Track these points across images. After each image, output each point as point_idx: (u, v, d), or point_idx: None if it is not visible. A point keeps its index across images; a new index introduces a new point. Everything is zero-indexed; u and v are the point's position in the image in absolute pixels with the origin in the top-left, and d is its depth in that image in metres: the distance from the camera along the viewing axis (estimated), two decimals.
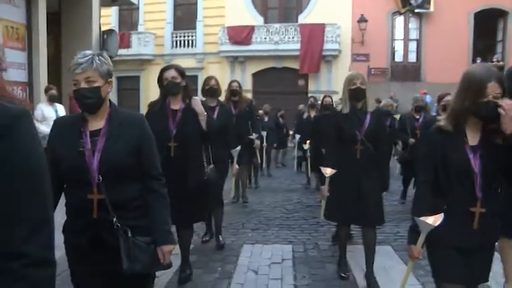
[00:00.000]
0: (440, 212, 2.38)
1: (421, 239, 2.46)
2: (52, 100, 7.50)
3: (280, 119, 13.81)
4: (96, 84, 2.24)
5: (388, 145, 4.60)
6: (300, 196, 8.69)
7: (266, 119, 12.19)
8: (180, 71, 4.11)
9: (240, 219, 6.72)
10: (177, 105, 4.10)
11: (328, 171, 4.23)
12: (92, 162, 2.23)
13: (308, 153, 9.12)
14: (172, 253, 2.50)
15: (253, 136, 7.24)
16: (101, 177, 2.22)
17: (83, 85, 2.22)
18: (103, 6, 10.70)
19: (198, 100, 4.15)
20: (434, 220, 2.36)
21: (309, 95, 19.66)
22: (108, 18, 19.40)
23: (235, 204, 7.61)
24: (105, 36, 10.44)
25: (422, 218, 2.38)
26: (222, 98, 5.90)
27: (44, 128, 6.99)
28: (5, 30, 7.24)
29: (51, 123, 6.89)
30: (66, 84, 8.77)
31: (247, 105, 6.99)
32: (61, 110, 7.73)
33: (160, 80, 4.10)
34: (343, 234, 4.62)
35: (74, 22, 9.37)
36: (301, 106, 15.10)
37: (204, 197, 4.31)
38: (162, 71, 4.13)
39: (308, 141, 8.95)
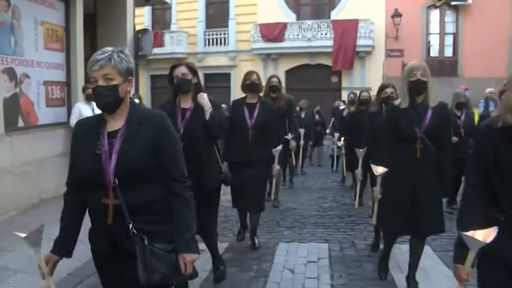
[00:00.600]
0: (494, 225, 1.92)
1: (470, 258, 1.99)
2: (89, 99, 7.64)
3: (317, 116, 13.34)
4: (113, 82, 2.11)
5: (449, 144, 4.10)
6: (334, 194, 8.60)
7: (303, 115, 11.62)
8: (191, 68, 3.99)
9: (275, 218, 6.70)
10: (187, 103, 3.98)
11: (379, 170, 3.91)
12: (109, 165, 2.10)
13: (342, 151, 8.77)
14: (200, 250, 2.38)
15: (289, 136, 7.05)
16: (117, 181, 2.09)
17: (101, 83, 2.10)
18: (137, 6, 10.85)
19: (204, 95, 4.01)
20: (485, 235, 1.90)
21: (343, 91, 19.59)
22: (141, 18, 19.66)
23: (269, 203, 7.45)
24: (139, 36, 10.59)
25: (470, 233, 1.92)
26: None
27: None
28: (45, 32, 7.42)
29: None
30: None
31: (286, 103, 6.74)
32: (97, 109, 7.86)
33: (171, 77, 4.00)
34: (391, 241, 4.37)
35: (109, 22, 9.54)
36: (337, 103, 14.87)
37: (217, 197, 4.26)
38: (173, 68, 4.02)
39: (343, 139, 8.62)
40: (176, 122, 3.83)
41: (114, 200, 2.11)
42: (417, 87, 3.76)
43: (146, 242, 2.10)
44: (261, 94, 6.00)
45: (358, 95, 7.95)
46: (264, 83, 5.80)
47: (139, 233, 2.11)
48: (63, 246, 2.28)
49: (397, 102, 3.98)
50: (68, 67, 8.01)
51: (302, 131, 9.63)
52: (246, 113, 4.98)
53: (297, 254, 5.13)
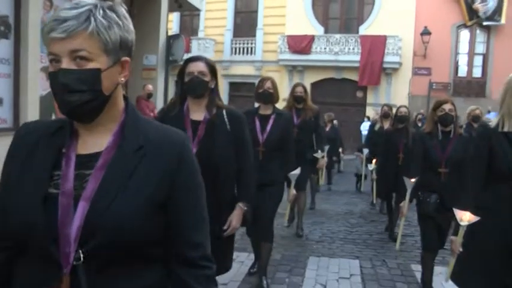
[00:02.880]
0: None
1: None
2: None
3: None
4: (91, 65, 1.11)
5: None
6: (361, 210, 8.45)
7: (327, 128, 10.38)
8: (211, 67, 2.91)
9: (304, 231, 6.58)
10: (199, 114, 2.90)
11: (467, 218, 2.67)
12: (70, 222, 1.09)
13: (373, 175, 7.50)
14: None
15: (319, 154, 6.09)
16: (81, 255, 1.08)
17: (66, 65, 1.10)
18: (170, 11, 10.91)
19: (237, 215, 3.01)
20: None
21: (367, 107, 19.46)
22: (170, 23, 19.81)
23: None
24: (171, 41, 10.63)
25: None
26: (280, 105, 4.70)
27: None
28: None
29: None
30: (133, 86, 8.98)
31: (313, 115, 5.88)
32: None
33: (182, 73, 2.92)
34: None
35: (143, 26, 9.57)
36: (374, 115, 13.95)
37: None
38: (188, 61, 2.93)
39: (374, 160, 7.47)
40: None
41: None
42: None
43: None
44: (285, 104, 5.83)
45: (392, 109, 7.41)
46: (281, 92, 4.95)
47: None
48: None
49: (493, 122, 2.78)
50: None
51: (327, 147, 8.50)
52: (258, 127, 4.17)
53: (328, 269, 5.03)
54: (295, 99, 5.78)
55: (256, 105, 4.44)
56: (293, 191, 4.52)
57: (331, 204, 8.93)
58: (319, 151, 6.13)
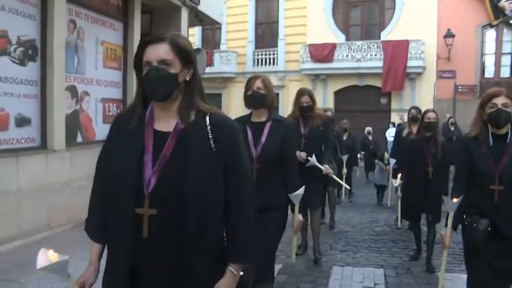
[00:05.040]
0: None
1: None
2: None
3: (370, 137, 12.77)
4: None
5: None
6: (386, 218, 8.35)
7: (345, 137, 9.88)
8: (181, 49, 1.78)
9: (328, 240, 6.56)
10: (166, 122, 1.86)
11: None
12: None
13: (399, 192, 6.46)
14: None
15: (325, 168, 5.20)
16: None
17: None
18: (190, 26, 11.09)
19: None
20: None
21: (392, 113, 19.28)
22: (192, 37, 20.13)
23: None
24: None
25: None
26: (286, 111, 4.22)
27: None
28: (105, 52, 7.70)
29: None
30: None
31: (321, 123, 5.28)
32: None
33: (139, 62, 2.00)
34: None
35: None
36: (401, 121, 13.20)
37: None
38: (144, 44, 1.81)
39: (400, 175, 6.33)
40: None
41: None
42: None
43: None
44: (288, 112, 5.32)
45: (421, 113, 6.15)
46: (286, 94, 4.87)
47: None
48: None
49: None
50: (125, 85, 8.25)
51: (345, 157, 8.31)
52: (250, 137, 3.35)
53: (353, 279, 5.00)
54: (302, 110, 5.18)
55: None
56: (299, 217, 3.49)
57: (355, 213, 8.86)
58: (325, 165, 5.20)
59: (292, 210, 3.51)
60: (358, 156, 11.45)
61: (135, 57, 1.85)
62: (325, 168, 5.19)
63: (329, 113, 7.08)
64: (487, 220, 2.97)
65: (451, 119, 13.10)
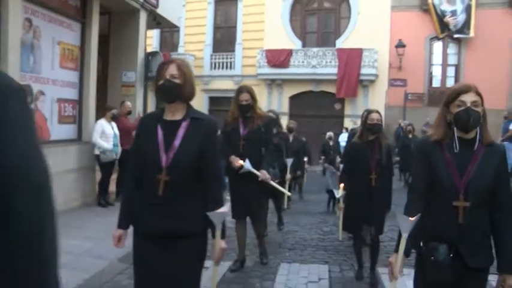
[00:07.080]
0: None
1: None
2: (113, 119, 8.09)
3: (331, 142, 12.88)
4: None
5: None
6: (335, 219, 8.65)
7: (291, 139, 9.22)
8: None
9: (277, 239, 6.83)
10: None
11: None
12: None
13: (341, 204, 5.45)
14: None
15: (261, 174, 4.85)
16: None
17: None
18: (148, 28, 11.17)
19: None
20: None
21: (345, 118, 19.86)
22: (150, 39, 20.05)
23: (271, 224, 7.18)
24: (149, 57, 10.86)
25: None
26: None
27: (104, 144, 7.83)
28: (62, 52, 7.71)
29: (110, 139, 7.47)
30: (112, 103, 9.18)
31: (263, 124, 4.92)
32: (115, 128, 8.17)
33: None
34: None
35: (121, 43, 9.85)
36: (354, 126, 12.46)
37: None
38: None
39: (342, 185, 5.35)
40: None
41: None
42: None
43: None
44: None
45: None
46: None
47: None
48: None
49: None
50: (81, 85, 8.28)
51: (290, 160, 7.63)
52: (160, 140, 2.59)
53: (299, 274, 5.26)
54: (241, 108, 4.85)
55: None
56: (221, 244, 2.65)
57: (305, 214, 9.19)
58: (262, 170, 4.88)
59: (213, 236, 2.66)
60: (305, 159, 10.80)
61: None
62: (262, 173, 4.86)
63: (271, 114, 6.81)
64: (445, 246, 2.41)
65: (409, 126, 12.86)
